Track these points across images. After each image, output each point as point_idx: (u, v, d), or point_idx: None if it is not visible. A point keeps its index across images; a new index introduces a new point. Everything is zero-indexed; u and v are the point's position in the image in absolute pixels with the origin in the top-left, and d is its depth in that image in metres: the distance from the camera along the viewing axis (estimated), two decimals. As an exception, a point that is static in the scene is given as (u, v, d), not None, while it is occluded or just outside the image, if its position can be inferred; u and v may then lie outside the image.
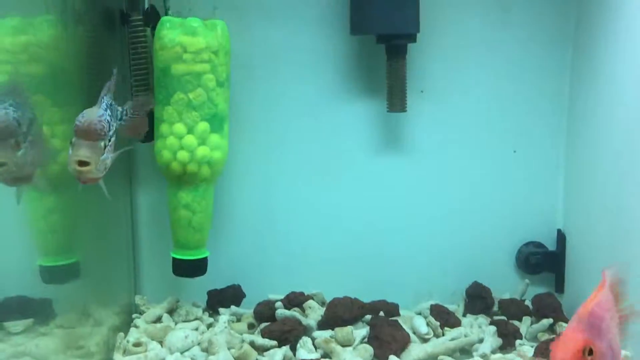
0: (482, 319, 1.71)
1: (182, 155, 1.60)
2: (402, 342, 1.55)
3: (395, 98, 1.73)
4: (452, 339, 1.58)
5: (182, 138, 1.60)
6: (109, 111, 1.29)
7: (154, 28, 1.62)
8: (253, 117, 1.78)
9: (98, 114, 1.22)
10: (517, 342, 1.59)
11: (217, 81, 1.60)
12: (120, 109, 1.40)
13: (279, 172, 1.81)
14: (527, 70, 1.78)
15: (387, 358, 1.45)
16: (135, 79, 1.67)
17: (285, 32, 1.76)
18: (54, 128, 1.41)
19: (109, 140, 1.26)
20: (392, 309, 1.73)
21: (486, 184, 1.82)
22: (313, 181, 1.82)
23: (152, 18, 1.67)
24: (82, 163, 1.18)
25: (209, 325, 1.71)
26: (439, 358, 1.51)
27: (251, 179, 1.81)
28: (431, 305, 1.75)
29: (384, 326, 1.58)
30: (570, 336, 0.92)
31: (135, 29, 1.65)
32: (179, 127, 1.60)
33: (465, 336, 1.59)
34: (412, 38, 1.69)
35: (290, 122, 1.79)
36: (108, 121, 1.24)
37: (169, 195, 1.67)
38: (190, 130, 1.60)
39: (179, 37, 1.56)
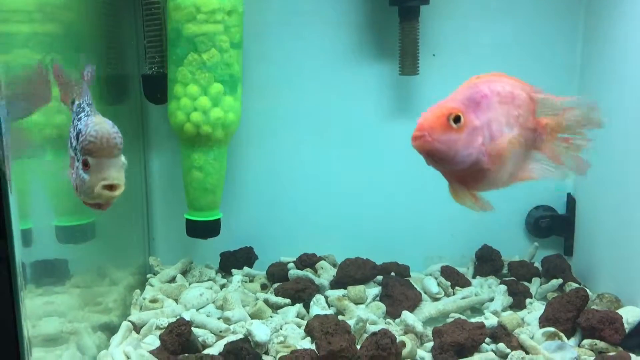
0: (492, 280, 1.74)
1: (196, 116, 1.61)
2: (414, 300, 1.57)
3: (408, 61, 1.73)
4: (463, 298, 1.60)
5: (196, 99, 1.61)
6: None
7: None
8: (266, 80, 1.79)
9: (109, 124, 1.05)
10: (527, 301, 1.61)
11: (230, 42, 1.60)
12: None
13: (292, 135, 1.82)
14: (538, 35, 1.78)
15: (400, 315, 1.47)
16: (148, 41, 1.67)
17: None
18: None
19: None
20: (403, 271, 1.76)
21: (497, 148, 1.84)
22: (325, 145, 1.83)
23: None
24: (113, 187, 1.04)
25: (222, 286, 1.73)
26: (450, 315, 1.54)
27: (264, 142, 1.82)
28: (441, 267, 1.77)
29: (396, 285, 1.61)
30: (442, 102, 0.90)
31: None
32: (193, 88, 1.60)
33: (476, 295, 1.62)
34: (425, 0, 1.69)
35: (303, 85, 1.80)
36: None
37: (182, 157, 1.69)
38: (204, 92, 1.60)
39: (193, -4, 1.56)
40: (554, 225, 1.83)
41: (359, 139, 1.83)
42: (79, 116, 1.11)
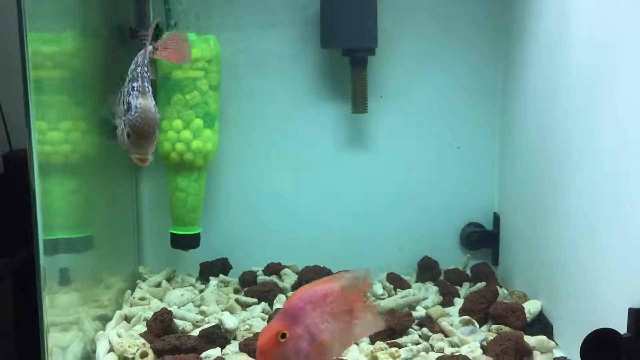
0: (430, 284, 2.05)
1: (180, 146, 1.93)
2: (360, 299, 1.88)
3: (358, 101, 2.07)
4: (402, 297, 1.91)
5: (180, 132, 1.93)
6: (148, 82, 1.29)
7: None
8: (239, 116, 2.12)
9: (153, 112, 1.24)
10: (455, 299, 1.93)
11: (209, 85, 1.94)
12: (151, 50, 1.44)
13: (261, 162, 2.15)
14: (467, 80, 2.14)
15: (346, 309, 1.78)
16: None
17: (267, 45, 2.11)
18: (75, 123, 1.70)
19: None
20: (355, 277, 2.07)
21: (434, 174, 2.17)
22: (290, 171, 2.16)
23: (157, 32, 2.01)
24: (143, 160, 1.31)
25: (201, 290, 2.03)
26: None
27: (238, 168, 2.14)
28: (387, 274, 2.09)
29: (345, 287, 1.92)
30: (270, 325, 1.18)
31: (142, 41, 1.99)
32: (177, 123, 1.93)
33: (414, 295, 1.93)
34: (372, 51, 2.05)
35: (271, 120, 2.14)
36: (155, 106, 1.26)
37: (168, 180, 2.00)
38: (186, 126, 1.93)
39: (179, 49, 1.91)
40: (483, 239, 2.16)
41: (318, 166, 2.15)
42: (133, 85, 1.32)
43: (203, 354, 1.54)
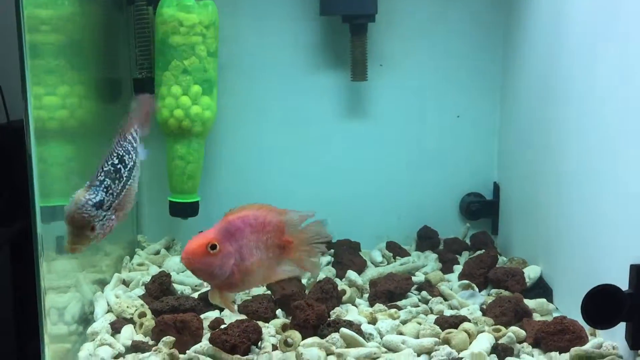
0: (429, 253, 2.05)
1: (178, 113, 1.92)
2: (359, 266, 1.88)
3: (358, 69, 2.06)
4: (402, 264, 1.91)
5: (178, 98, 1.92)
6: (106, 182, 1.27)
7: (155, 6, 1.94)
8: (239, 85, 2.10)
9: (81, 203, 1.20)
10: (455, 267, 1.92)
11: (207, 51, 1.92)
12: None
13: (260, 131, 2.14)
14: (467, 47, 2.12)
15: (345, 273, 1.78)
16: (139, 50, 1.99)
17: (267, 12, 2.09)
18: (72, 87, 1.69)
19: (110, 203, 1.25)
20: (355, 246, 2.06)
21: (434, 144, 2.16)
22: (289, 139, 2.14)
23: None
24: (74, 249, 1.24)
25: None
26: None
27: (237, 136, 2.13)
28: (387, 242, 2.08)
29: (345, 253, 1.92)
30: (204, 233, 1.18)
31: (139, 7, 1.97)
32: (176, 89, 1.91)
33: (413, 262, 1.93)
34: (372, 18, 2.03)
35: (270, 89, 2.12)
36: (96, 203, 1.22)
37: (166, 148, 1.98)
38: (185, 92, 1.91)
39: (176, 13, 1.88)
40: (483, 208, 2.15)
41: (317, 135, 2.14)
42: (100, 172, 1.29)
43: (202, 315, 1.54)
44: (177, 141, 1.96)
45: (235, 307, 1.37)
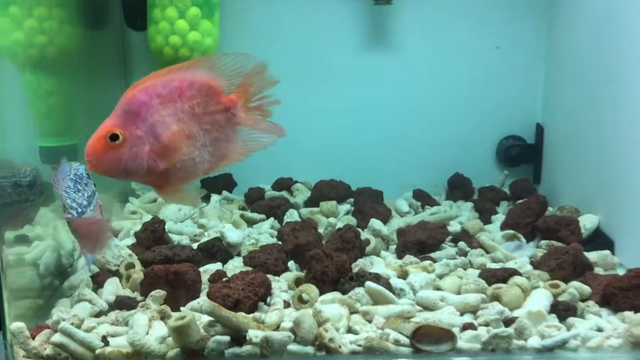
0: (461, 202, 1.79)
1: (174, 39, 1.66)
2: (384, 215, 1.63)
3: (382, -10, 1.78)
4: (432, 214, 1.66)
5: (174, 23, 1.66)
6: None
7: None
8: (243, 9, 1.83)
9: None
10: (493, 217, 1.67)
11: (207, -34, 1.65)
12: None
13: (270, 62, 1.84)
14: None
15: (368, 223, 1.53)
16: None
17: None
18: (51, 10, 1.48)
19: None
20: (377, 195, 1.81)
21: (468, 80, 1.89)
22: (302, 76, 1.88)
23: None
24: None
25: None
26: (418, 228, 1.60)
27: (242, 70, 1.87)
28: (414, 190, 1.82)
29: (367, 202, 1.66)
30: (102, 125, 0.92)
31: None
32: (171, 11, 1.65)
33: (445, 212, 1.67)
34: None
35: (280, 15, 1.85)
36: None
37: (162, 82, 1.74)
38: (181, 15, 1.65)
39: None
40: (523, 153, 1.89)
41: (334, 71, 1.88)
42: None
43: (202, 268, 1.31)
44: None
45: (198, 196, 1.05)
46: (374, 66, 1.89)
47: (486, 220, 1.66)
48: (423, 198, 1.79)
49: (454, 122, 1.91)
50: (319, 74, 1.88)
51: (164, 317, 1.11)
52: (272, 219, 1.63)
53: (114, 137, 0.91)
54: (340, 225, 1.53)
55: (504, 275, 1.22)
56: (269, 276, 1.26)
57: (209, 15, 1.68)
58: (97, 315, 1.16)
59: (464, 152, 1.92)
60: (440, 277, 1.29)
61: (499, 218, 1.63)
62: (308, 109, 1.90)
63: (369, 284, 1.16)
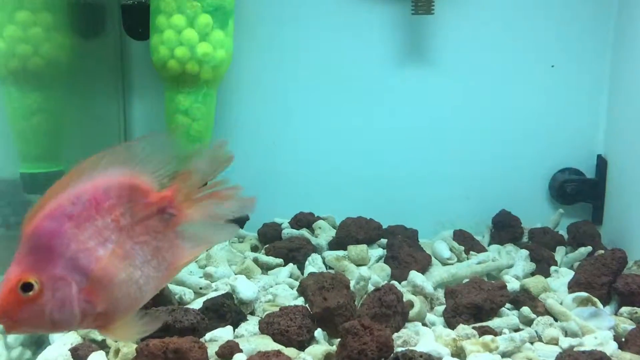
0: (511, 247, 1.54)
1: (181, 51, 1.44)
2: (423, 263, 1.38)
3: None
4: (479, 263, 1.41)
5: (181, 32, 1.44)
6: None
7: None
8: (263, 16, 1.61)
9: None
10: (552, 268, 1.41)
11: (221, -33, 1.42)
12: None
13: (290, 80, 1.65)
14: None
15: (407, 275, 1.28)
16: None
17: None
18: (35, 15, 1.33)
19: None
20: (411, 235, 1.56)
21: (518, 103, 1.66)
22: (328, 92, 1.66)
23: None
24: None
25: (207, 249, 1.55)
26: (464, 281, 1.35)
27: (258, 87, 1.64)
28: (454, 232, 1.58)
29: (403, 246, 1.41)
30: (8, 271, 0.69)
31: None
32: (178, 19, 1.44)
33: (493, 260, 1.42)
34: None
35: (305, 23, 1.63)
36: None
37: (166, 100, 1.52)
38: (190, 23, 1.44)
39: None
40: (582, 190, 1.64)
41: (365, 86, 1.66)
42: None
43: (207, 335, 1.06)
44: (180, 91, 1.50)
45: (140, 332, 0.77)
46: (410, 85, 1.65)
47: (544, 271, 1.41)
48: (466, 241, 1.54)
49: (501, 150, 1.67)
50: (347, 91, 1.66)
51: (159, 414, 0.86)
52: (291, 264, 1.39)
53: (26, 286, 0.68)
54: (374, 276, 1.29)
55: (591, 362, 0.97)
56: (291, 350, 1.01)
57: (222, 25, 1.46)
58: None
59: (511, 186, 1.68)
60: (504, 355, 1.03)
61: (562, 272, 1.37)
62: (332, 131, 1.68)
63: (420, 371, 0.91)
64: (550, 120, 1.66)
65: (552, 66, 1.64)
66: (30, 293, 0.68)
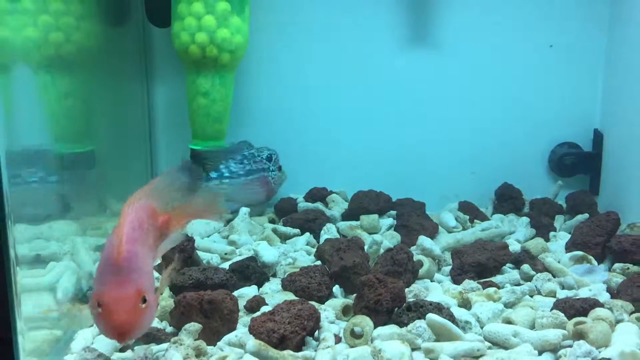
0: (513, 217, 1.64)
1: (201, 37, 1.53)
2: (430, 231, 1.48)
3: (426, -16, 1.63)
4: (483, 230, 1.51)
5: (201, 18, 1.53)
6: None
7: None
8: (277, 3, 1.69)
9: None
10: (552, 234, 1.51)
11: (238, -44, 1.52)
12: None
13: (303, 63, 1.73)
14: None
15: (416, 241, 1.38)
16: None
17: None
18: (68, 5, 1.38)
19: None
20: (419, 207, 1.66)
21: (518, 80, 1.73)
22: (339, 73, 1.74)
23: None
24: None
25: (228, 221, 1.65)
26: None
27: (273, 69, 1.73)
28: (459, 203, 1.68)
29: (412, 215, 1.52)
30: (119, 291, 0.85)
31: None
32: (198, 6, 1.52)
33: (496, 228, 1.52)
34: None
35: (317, 8, 1.70)
36: None
37: (187, 83, 1.61)
38: (209, 10, 1.52)
39: None
40: (580, 162, 1.73)
41: (374, 67, 1.74)
42: None
43: (236, 292, 1.16)
44: (200, 74, 1.59)
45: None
46: (417, 66, 1.74)
47: (544, 237, 1.51)
48: (471, 211, 1.64)
49: (502, 127, 1.75)
50: (357, 73, 1.74)
51: (199, 354, 0.96)
52: (307, 234, 1.49)
53: (144, 300, 0.86)
54: (386, 241, 1.39)
55: (584, 307, 1.07)
56: (311, 302, 1.12)
57: (239, 11, 1.55)
58: (122, 350, 1.02)
59: (513, 161, 1.76)
60: (507, 305, 1.14)
61: (560, 236, 1.47)
62: (343, 111, 1.76)
63: (430, 316, 1.01)
64: (550, 97, 1.74)
65: (551, 46, 1.72)
66: (145, 305, 0.85)
